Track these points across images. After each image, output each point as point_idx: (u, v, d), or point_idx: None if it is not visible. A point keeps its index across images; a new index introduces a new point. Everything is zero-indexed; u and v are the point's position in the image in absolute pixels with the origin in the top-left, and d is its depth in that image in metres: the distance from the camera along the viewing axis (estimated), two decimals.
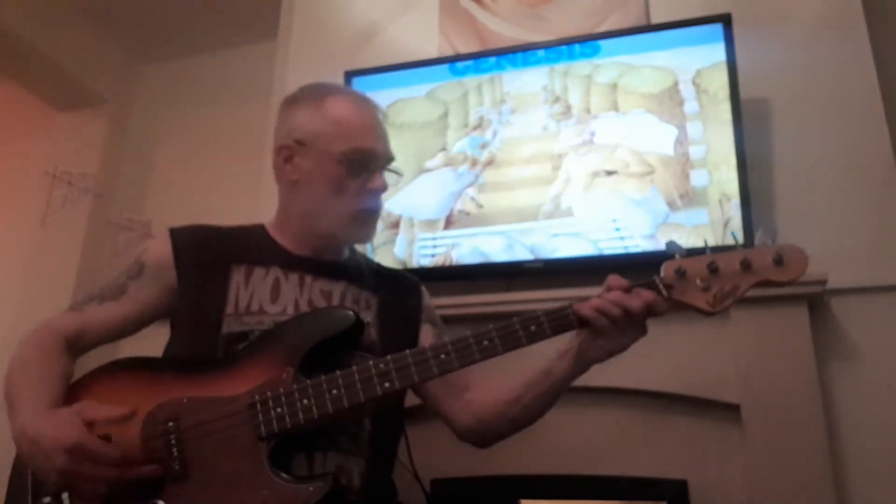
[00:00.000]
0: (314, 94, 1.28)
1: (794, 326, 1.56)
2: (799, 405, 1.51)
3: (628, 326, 1.08)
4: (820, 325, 1.60)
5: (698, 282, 1.09)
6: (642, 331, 1.10)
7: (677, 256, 1.11)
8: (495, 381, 1.26)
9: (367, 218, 1.25)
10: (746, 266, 1.08)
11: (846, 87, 1.80)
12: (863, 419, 1.55)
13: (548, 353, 1.17)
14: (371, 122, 1.26)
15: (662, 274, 1.10)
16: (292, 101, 1.29)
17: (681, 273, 1.10)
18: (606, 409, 1.66)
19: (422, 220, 1.89)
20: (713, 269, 1.09)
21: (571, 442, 1.64)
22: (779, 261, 1.08)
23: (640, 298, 1.07)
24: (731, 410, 1.58)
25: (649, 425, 1.66)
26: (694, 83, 1.76)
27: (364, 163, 1.22)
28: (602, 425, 1.67)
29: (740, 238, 1.58)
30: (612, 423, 1.67)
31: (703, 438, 1.61)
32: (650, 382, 1.64)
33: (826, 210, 1.70)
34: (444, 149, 1.93)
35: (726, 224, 1.64)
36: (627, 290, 1.08)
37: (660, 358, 1.64)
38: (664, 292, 1.09)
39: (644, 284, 1.10)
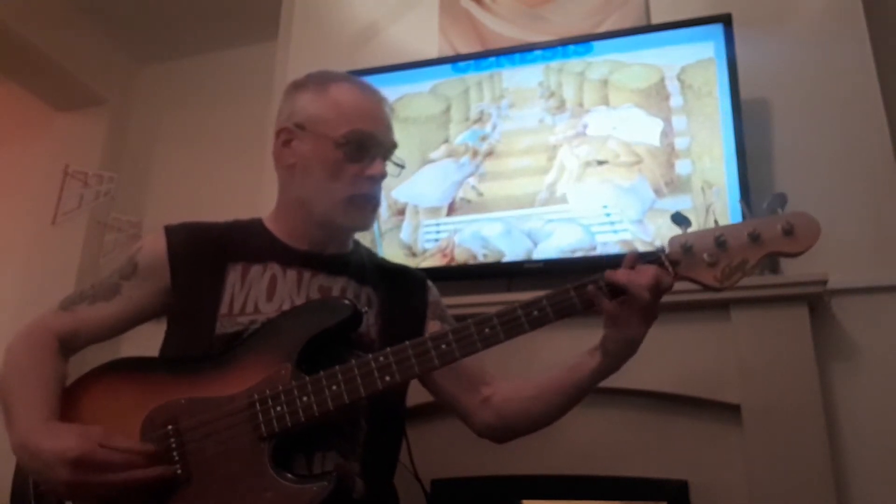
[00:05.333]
0: (319, 79, 1.25)
1: (794, 326, 1.56)
2: (799, 405, 1.51)
3: (637, 305, 1.03)
4: (820, 326, 1.59)
5: (705, 256, 1.04)
6: (652, 315, 1.05)
7: (683, 230, 1.06)
8: (516, 381, 1.24)
9: (363, 203, 1.20)
10: (755, 238, 1.03)
11: (846, 86, 1.80)
12: (863, 419, 1.55)
13: (576, 353, 1.15)
14: (374, 108, 1.23)
15: (668, 249, 1.06)
16: (298, 86, 1.26)
17: (687, 248, 1.04)
18: (607, 409, 1.65)
19: (426, 207, 1.98)
20: (720, 243, 1.04)
21: (572, 442, 1.64)
22: (789, 231, 1.02)
23: (647, 272, 1.03)
24: (731, 410, 1.58)
25: (649, 425, 1.66)
26: (679, 79, 1.84)
27: (363, 147, 1.19)
28: (602, 425, 1.67)
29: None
30: (612, 423, 1.67)
31: (704, 439, 1.61)
32: (650, 382, 1.64)
33: (826, 210, 1.67)
34: (446, 141, 2.01)
35: (708, 209, 1.71)
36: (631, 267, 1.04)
37: (660, 358, 1.64)
38: (670, 269, 1.04)
39: (649, 261, 1.06)
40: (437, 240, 1.93)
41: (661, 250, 1.06)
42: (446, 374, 1.24)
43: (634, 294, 1.02)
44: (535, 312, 1.05)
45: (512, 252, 1.85)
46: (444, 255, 1.91)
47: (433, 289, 1.35)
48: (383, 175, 1.22)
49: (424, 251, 1.93)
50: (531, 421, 1.22)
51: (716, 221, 1.08)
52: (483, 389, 1.24)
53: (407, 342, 1.06)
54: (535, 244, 1.84)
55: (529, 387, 1.20)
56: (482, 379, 1.25)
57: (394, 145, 1.25)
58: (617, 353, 1.10)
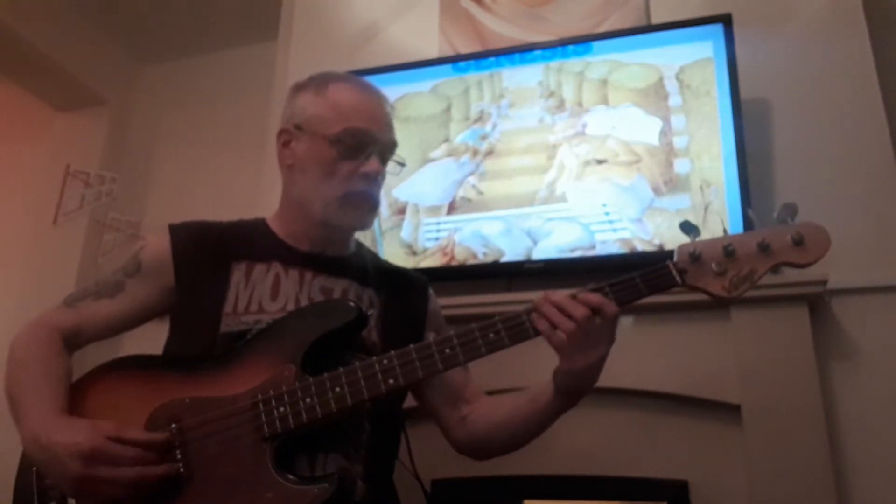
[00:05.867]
0: (319, 80, 1.25)
1: (794, 326, 1.56)
2: (799, 405, 1.51)
3: (583, 338, 1.01)
4: (820, 326, 1.60)
5: (713, 266, 1.03)
6: (593, 346, 1.02)
7: (691, 238, 1.05)
8: (493, 401, 1.24)
9: (359, 202, 1.19)
10: (764, 248, 1.02)
11: (846, 86, 1.80)
12: (863, 419, 1.56)
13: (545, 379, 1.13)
14: (370, 106, 1.21)
15: (676, 258, 1.05)
16: (299, 88, 1.26)
17: (695, 257, 1.03)
18: (607, 409, 1.66)
19: (426, 206, 1.99)
20: (729, 252, 1.03)
21: (572, 442, 1.64)
22: (798, 241, 1.02)
23: (586, 298, 1.01)
24: (731, 410, 1.58)
25: (650, 426, 1.66)
26: (677, 79, 1.85)
27: (358, 145, 1.18)
28: (603, 426, 1.67)
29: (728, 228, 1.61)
30: (612, 423, 1.67)
31: (704, 439, 1.61)
32: (650, 382, 1.64)
33: (826, 210, 1.69)
34: (447, 140, 2.02)
35: (706, 208, 1.73)
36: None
37: (660, 358, 1.65)
38: (678, 278, 1.04)
39: (655, 269, 1.05)
40: (437, 238, 1.94)
41: (670, 260, 1.05)
42: (433, 386, 1.25)
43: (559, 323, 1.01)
44: None
45: (512, 250, 1.86)
46: (445, 254, 1.92)
47: (434, 297, 1.34)
48: (378, 172, 1.20)
49: (425, 250, 1.95)
50: (498, 447, 1.23)
51: (725, 231, 1.07)
52: (463, 407, 1.25)
53: (411, 346, 1.06)
54: (535, 243, 1.85)
55: (500, 412, 1.20)
56: (464, 396, 1.25)
57: (393, 144, 1.24)
58: (567, 389, 1.09)
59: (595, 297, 1.02)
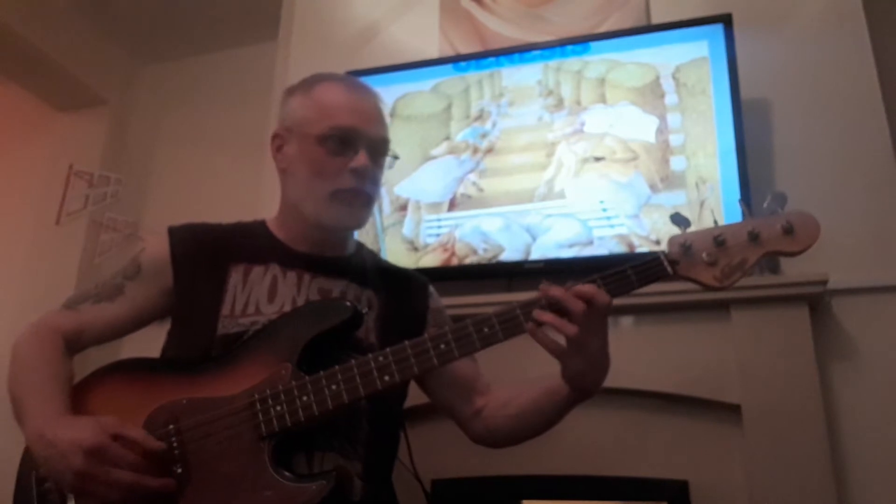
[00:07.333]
0: (308, 82, 1.26)
1: (794, 326, 1.56)
2: (800, 405, 1.51)
3: (579, 336, 1.01)
4: (821, 326, 1.59)
5: (704, 256, 1.04)
6: (586, 343, 1.03)
7: (682, 230, 1.06)
8: (507, 391, 1.24)
9: (349, 199, 1.18)
10: (754, 237, 1.03)
11: (846, 86, 1.80)
12: (863, 419, 1.55)
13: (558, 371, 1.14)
14: (357, 103, 1.21)
15: (667, 249, 1.06)
16: (290, 91, 1.27)
17: (686, 248, 1.04)
18: (607, 409, 1.65)
19: (428, 202, 2.01)
20: (720, 243, 1.04)
21: (572, 442, 1.64)
22: (789, 230, 1.03)
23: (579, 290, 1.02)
24: (731, 410, 1.58)
25: (650, 425, 1.66)
26: (674, 78, 1.87)
27: (346, 142, 1.17)
28: (603, 425, 1.67)
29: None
30: (612, 423, 1.67)
31: (704, 439, 1.61)
32: (650, 382, 1.64)
33: (826, 211, 1.67)
34: (447, 138, 2.04)
35: (702, 204, 1.75)
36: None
37: (660, 358, 1.65)
38: (669, 269, 1.04)
39: (647, 261, 1.05)
40: (438, 235, 1.96)
41: (661, 251, 1.06)
42: (443, 382, 1.25)
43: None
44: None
45: (511, 246, 1.87)
46: (445, 250, 1.93)
47: (435, 295, 1.34)
48: (367, 167, 1.18)
49: (426, 246, 1.97)
50: (516, 437, 1.24)
51: (715, 221, 1.09)
52: (477, 400, 1.25)
53: (406, 342, 1.05)
54: (534, 239, 1.87)
55: (515, 404, 1.21)
56: (476, 388, 1.25)
57: (383, 139, 1.23)
58: (577, 385, 1.10)
59: (588, 288, 1.02)
